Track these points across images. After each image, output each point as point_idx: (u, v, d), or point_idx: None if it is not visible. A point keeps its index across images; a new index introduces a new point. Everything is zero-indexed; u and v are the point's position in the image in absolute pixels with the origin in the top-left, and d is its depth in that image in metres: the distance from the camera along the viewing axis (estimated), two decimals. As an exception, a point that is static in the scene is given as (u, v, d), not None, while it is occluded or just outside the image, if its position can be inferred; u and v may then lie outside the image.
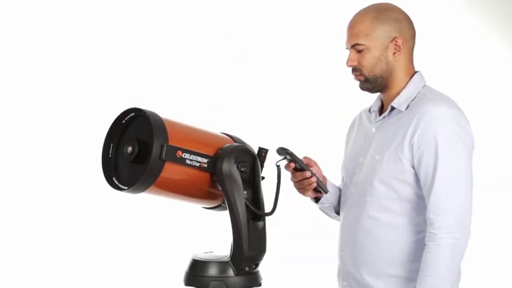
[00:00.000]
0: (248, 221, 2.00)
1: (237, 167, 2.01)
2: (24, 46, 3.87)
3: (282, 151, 2.15)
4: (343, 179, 2.36)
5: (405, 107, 2.17)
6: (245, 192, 2.01)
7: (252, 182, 2.05)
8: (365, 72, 2.19)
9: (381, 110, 2.28)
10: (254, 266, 2.03)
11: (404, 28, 2.19)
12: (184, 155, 1.93)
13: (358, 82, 2.23)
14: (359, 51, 2.18)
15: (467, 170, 2.09)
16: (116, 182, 1.97)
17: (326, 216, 2.46)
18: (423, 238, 2.10)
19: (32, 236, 3.84)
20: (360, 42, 2.17)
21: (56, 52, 3.92)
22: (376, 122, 2.26)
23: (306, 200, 2.40)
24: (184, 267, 2.06)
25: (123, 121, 1.99)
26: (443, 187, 2.06)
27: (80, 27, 3.96)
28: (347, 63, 2.20)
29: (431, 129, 2.08)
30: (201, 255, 2.07)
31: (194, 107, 3.94)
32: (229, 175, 1.98)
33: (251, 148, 2.10)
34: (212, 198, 2.09)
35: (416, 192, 2.13)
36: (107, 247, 3.94)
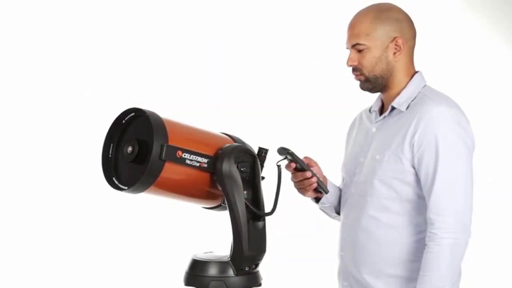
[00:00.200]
0: (248, 221, 2.00)
1: (237, 167, 2.01)
2: (24, 46, 3.87)
3: (283, 151, 2.15)
4: (343, 179, 2.36)
5: (405, 107, 2.17)
6: (245, 192, 2.01)
7: (252, 182, 2.05)
8: (366, 72, 2.19)
9: (382, 110, 2.28)
10: (254, 266, 2.03)
11: (405, 28, 2.19)
12: (184, 155, 1.93)
13: (358, 82, 2.24)
14: (360, 51, 2.18)
15: (467, 170, 2.09)
16: (116, 182, 1.97)
17: (326, 216, 2.46)
18: (424, 238, 2.10)
19: (32, 236, 3.84)
20: (361, 42, 2.17)
21: (56, 52, 3.92)
22: (377, 122, 2.26)
23: (306, 200, 2.40)
24: (184, 267, 2.06)
25: (123, 121, 1.99)
26: (443, 187, 2.06)
27: (80, 27, 3.96)
28: (347, 63, 2.21)
29: (432, 129, 2.08)
30: (201, 255, 2.07)
31: (194, 107, 3.94)
32: (229, 175, 1.98)
33: (251, 148, 2.10)
34: (212, 198, 2.09)
35: (416, 192, 2.13)
36: (107, 247, 3.94)
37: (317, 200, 2.37)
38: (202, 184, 2.02)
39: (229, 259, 2.00)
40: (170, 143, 1.90)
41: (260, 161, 2.09)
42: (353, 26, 2.20)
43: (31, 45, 3.88)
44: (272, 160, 2.15)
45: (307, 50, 4.31)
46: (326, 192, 2.27)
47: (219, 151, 2.01)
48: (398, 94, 2.20)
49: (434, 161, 2.07)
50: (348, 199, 2.29)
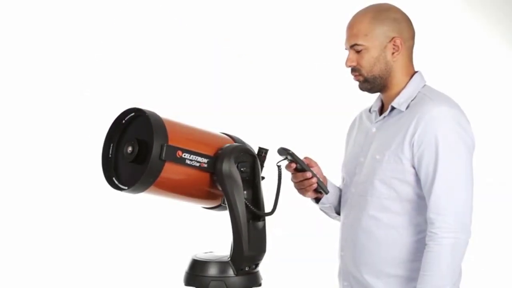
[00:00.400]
0: (248, 221, 2.00)
1: (237, 167, 2.01)
2: (24, 46, 3.87)
3: (283, 151, 2.15)
4: (343, 179, 2.36)
5: (405, 107, 2.17)
6: (245, 192, 2.01)
7: (252, 182, 2.05)
8: (364, 72, 2.19)
9: (382, 110, 2.28)
10: (254, 266, 2.03)
11: (403, 28, 2.19)
12: (184, 155, 1.93)
13: (357, 83, 2.24)
14: (358, 52, 2.18)
15: (467, 170, 2.09)
16: (116, 182, 1.97)
17: (326, 216, 2.46)
18: (424, 238, 2.10)
19: (32, 236, 3.84)
20: (359, 42, 2.17)
21: (56, 52, 3.92)
22: (377, 122, 2.26)
23: (306, 200, 2.40)
24: (184, 267, 2.06)
25: (123, 121, 1.99)
26: (443, 187, 2.06)
27: (80, 27, 3.96)
28: (346, 64, 2.21)
29: (432, 129, 2.08)
30: (201, 255, 2.07)
31: (194, 107, 3.94)
32: (229, 175, 1.98)
33: (251, 148, 2.10)
34: (212, 198, 2.09)
35: (416, 192, 2.13)
36: (107, 247, 3.94)
37: (317, 200, 2.37)
38: (202, 184, 2.02)
39: (229, 259, 2.00)
40: (170, 143, 1.90)
41: (260, 161, 2.09)
42: (352, 26, 2.20)
43: (31, 45, 3.88)
44: (272, 160, 2.15)
45: (307, 50, 4.31)
46: (326, 193, 2.27)
47: (219, 151, 2.01)
48: (398, 94, 2.20)
49: (434, 161, 2.07)
50: (348, 199, 2.29)
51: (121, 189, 1.95)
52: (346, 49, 2.23)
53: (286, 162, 2.20)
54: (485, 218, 4.17)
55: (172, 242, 3.96)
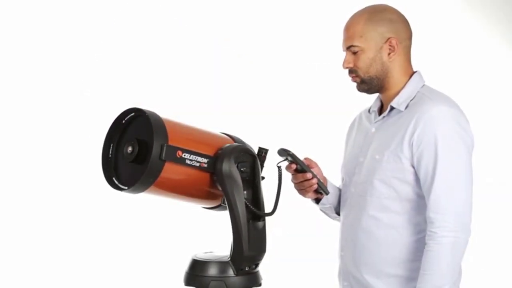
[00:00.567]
0: (248, 221, 2.00)
1: (237, 167, 2.01)
2: (24, 46, 3.87)
3: (283, 152, 2.15)
4: (343, 180, 2.36)
5: (404, 107, 2.18)
6: (245, 192, 2.01)
7: (252, 182, 2.05)
8: (361, 73, 2.20)
9: (381, 110, 2.28)
10: (254, 266, 2.03)
11: (399, 28, 2.20)
12: (184, 155, 1.93)
13: (355, 84, 2.24)
14: (355, 53, 2.19)
15: (467, 169, 2.10)
16: (116, 182, 1.97)
17: (326, 217, 2.46)
18: (423, 237, 2.10)
19: (32, 236, 3.84)
20: (355, 43, 2.18)
21: (56, 52, 3.92)
22: (376, 122, 2.26)
23: (306, 200, 2.40)
24: (184, 267, 2.06)
25: (123, 121, 1.99)
26: (443, 186, 2.06)
27: (80, 27, 3.96)
28: (343, 65, 2.22)
29: (431, 128, 2.08)
30: (201, 255, 2.07)
31: (194, 107, 3.94)
32: (229, 175, 1.98)
33: (251, 148, 2.10)
34: (212, 198, 2.09)
35: (416, 191, 2.14)
36: (107, 247, 3.94)
37: (317, 201, 2.37)
38: (202, 184, 2.02)
39: (229, 259, 2.00)
40: (170, 143, 1.90)
41: (260, 161, 2.09)
42: (348, 28, 2.21)
43: (31, 45, 3.88)
44: (272, 160, 2.15)
45: (307, 50, 4.31)
46: (327, 193, 2.27)
47: (219, 151, 2.01)
48: (397, 94, 2.21)
49: (434, 160, 2.07)
50: (347, 199, 2.29)
51: (121, 189, 1.95)
52: (343, 50, 2.23)
53: (286, 163, 2.20)
54: (485, 218, 4.17)
55: (172, 242, 3.96)
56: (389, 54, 2.18)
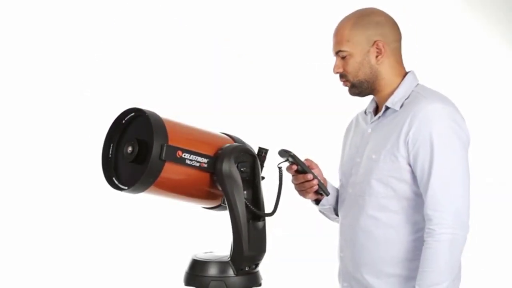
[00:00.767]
0: (248, 221, 2.00)
1: (237, 167, 2.01)
2: (24, 46, 3.87)
3: (284, 153, 2.15)
4: (340, 181, 2.37)
5: (399, 106, 2.18)
6: (245, 192, 2.01)
7: (252, 182, 2.05)
8: (350, 78, 2.22)
9: (376, 111, 2.29)
10: (254, 266, 2.03)
11: (386, 31, 2.21)
12: (184, 155, 1.93)
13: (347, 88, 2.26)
14: (343, 58, 2.21)
15: (463, 166, 2.10)
16: (116, 182, 1.97)
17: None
18: (422, 236, 2.11)
19: (32, 236, 3.84)
20: (342, 48, 2.20)
21: (56, 52, 3.92)
22: (372, 122, 2.27)
23: (306, 201, 2.40)
24: (184, 267, 2.06)
25: (123, 121, 1.99)
26: (439, 183, 2.07)
27: (80, 27, 3.96)
28: (333, 70, 2.24)
29: (426, 126, 2.09)
30: (201, 255, 2.07)
31: (194, 107, 3.94)
32: (229, 175, 1.98)
33: (251, 148, 2.10)
34: (212, 198, 2.09)
35: (413, 189, 2.14)
36: (107, 247, 3.94)
37: (317, 202, 2.38)
38: (202, 184, 2.02)
39: (229, 259, 2.00)
40: (170, 143, 1.90)
41: (260, 161, 2.09)
42: (336, 33, 2.24)
43: (31, 45, 3.88)
44: (272, 160, 2.15)
45: (307, 50, 4.31)
46: (327, 194, 2.27)
47: (219, 151, 2.01)
48: (391, 94, 2.22)
49: (430, 158, 2.08)
50: (345, 200, 2.30)
51: (121, 189, 1.95)
52: (334, 56, 2.25)
53: (287, 163, 2.20)
54: (485, 218, 4.18)
55: (172, 242, 3.96)
56: (377, 57, 2.20)
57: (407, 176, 2.13)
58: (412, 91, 2.20)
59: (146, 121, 1.91)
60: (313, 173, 2.21)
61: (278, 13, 4.33)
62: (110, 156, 1.99)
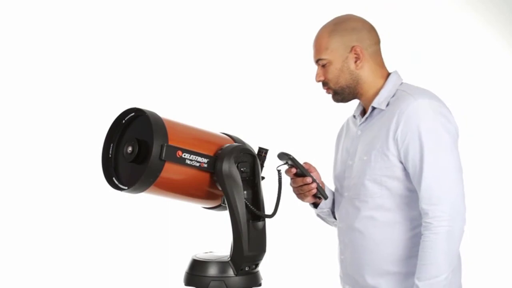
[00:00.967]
0: (248, 221, 2.00)
1: (237, 167, 2.01)
2: (24, 46, 3.88)
3: (283, 156, 2.15)
4: (335, 186, 2.37)
5: (385, 105, 2.20)
6: (245, 192, 2.01)
7: (252, 182, 2.05)
8: (332, 85, 2.24)
9: (364, 113, 2.30)
10: (254, 266, 2.03)
11: (363, 36, 2.22)
12: (184, 155, 1.93)
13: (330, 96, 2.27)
14: (324, 66, 2.23)
15: (454, 158, 2.10)
16: (116, 182, 1.97)
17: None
18: (419, 232, 2.11)
19: (32, 236, 3.84)
20: (322, 57, 2.22)
21: (56, 52, 3.92)
22: (360, 125, 2.28)
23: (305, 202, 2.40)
24: (184, 267, 2.06)
25: (123, 121, 1.99)
26: (432, 177, 2.07)
27: (80, 27, 3.96)
28: (315, 79, 2.26)
29: (413, 122, 2.09)
30: (201, 255, 2.07)
31: (194, 107, 3.94)
32: (229, 175, 1.98)
33: (251, 148, 2.10)
34: (212, 198, 2.09)
35: (407, 186, 2.14)
36: (107, 247, 3.94)
37: (315, 205, 2.38)
38: (202, 184, 2.02)
39: (229, 259, 2.00)
40: (170, 143, 1.90)
41: (260, 161, 2.09)
42: (315, 42, 2.26)
43: (31, 45, 3.89)
44: (272, 160, 2.15)
45: (307, 50, 4.30)
46: (326, 198, 2.27)
47: (219, 151, 2.01)
48: (375, 95, 2.23)
49: (420, 153, 2.08)
50: (341, 204, 2.30)
51: (121, 189, 1.95)
52: (315, 64, 2.26)
53: (286, 166, 2.20)
54: (484, 218, 4.18)
55: (172, 242, 3.96)
56: (355, 62, 2.21)
57: (400, 173, 2.14)
58: (397, 89, 2.21)
59: (146, 121, 1.91)
60: (312, 177, 2.21)
61: (278, 13, 4.33)
62: (110, 156, 1.99)
